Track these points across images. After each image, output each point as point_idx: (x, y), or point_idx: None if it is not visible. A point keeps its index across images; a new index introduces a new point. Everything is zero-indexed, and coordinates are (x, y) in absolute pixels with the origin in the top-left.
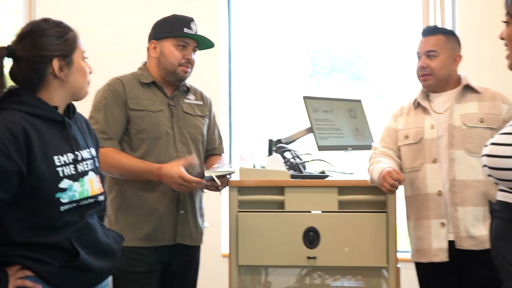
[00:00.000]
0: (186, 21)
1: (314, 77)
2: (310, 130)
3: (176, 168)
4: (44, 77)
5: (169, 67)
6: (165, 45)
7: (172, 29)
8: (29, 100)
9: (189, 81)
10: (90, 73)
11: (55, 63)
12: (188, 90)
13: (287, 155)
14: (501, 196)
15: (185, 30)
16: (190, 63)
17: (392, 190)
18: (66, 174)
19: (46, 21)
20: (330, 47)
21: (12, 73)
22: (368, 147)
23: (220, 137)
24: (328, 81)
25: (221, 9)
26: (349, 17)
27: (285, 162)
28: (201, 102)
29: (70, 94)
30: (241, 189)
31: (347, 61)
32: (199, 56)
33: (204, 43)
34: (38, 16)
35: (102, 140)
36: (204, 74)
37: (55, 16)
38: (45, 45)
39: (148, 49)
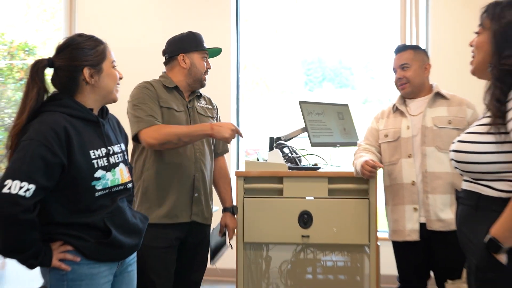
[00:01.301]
0: (202, 38)
1: (308, 85)
2: (305, 129)
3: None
4: (78, 83)
5: (198, 75)
6: (194, 57)
7: (198, 45)
8: (69, 103)
9: (204, 89)
10: (121, 78)
11: (86, 71)
12: (200, 95)
13: (286, 150)
14: (466, 186)
15: (205, 45)
16: (207, 72)
17: (370, 175)
18: (100, 165)
19: (80, 36)
20: (322, 59)
21: (53, 80)
22: (354, 144)
23: None
24: (320, 88)
25: (231, 28)
26: (338, 34)
27: (283, 156)
28: (210, 106)
29: (101, 98)
30: (247, 178)
31: (336, 72)
32: (214, 67)
33: (212, 53)
34: (77, 32)
35: (153, 120)
36: (217, 81)
37: (91, 31)
38: (78, 56)
39: (169, 61)
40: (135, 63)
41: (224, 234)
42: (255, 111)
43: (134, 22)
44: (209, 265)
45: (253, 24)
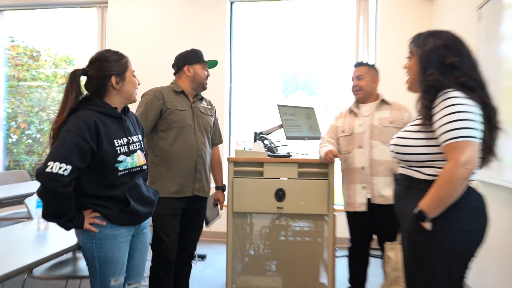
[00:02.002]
0: (202, 53)
1: (285, 92)
2: (281, 126)
3: None
4: (106, 88)
5: (200, 80)
6: (197, 67)
7: (199, 58)
8: (98, 103)
9: (205, 95)
10: (139, 84)
11: (113, 79)
12: (202, 98)
13: (266, 142)
14: (401, 170)
15: (205, 58)
16: (207, 78)
17: (330, 161)
18: (122, 151)
19: (108, 51)
20: (296, 73)
21: (86, 86)
22: (318, 138)
23: (219, 131)
24: (294, 95)
25: (226, 48)
26: (308, 53)
27: (264, 146)
28: (210, 107)
29: (124, 99)
30: (236, 163)
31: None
32: (212, 77)
33: (210, 65)
34: (107, 47)
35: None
36: (214, 88)
37: (116, 47)
38: (107, 67)
39: (177, 71)
40: (148, 71)
41: (216, 205)
42: (244, 111)
43: (149, 42)
44: (205, 228)
45: (243, 44)
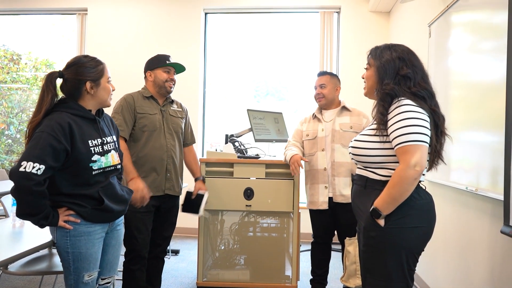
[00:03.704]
0: (167, 57)
1: (256, 98)
2: (251, 129)
3: (141, 185)
4: (81, 92)
5: (161, 83)
6: (157, 72)
7: (160, 62)
8: (72, 105)
9: (179, 98)
10: (113, 90)
11: (88, 84)
12: (172, 101)
13: (236, 144)
14: (358, 171)
15: (167, 62)
16: (172, 81)
17: (295, 173)
18: (96, 151)
19: (85, 56)
20: (267, 80)
21: (61, 88)
22: (285, 141)
23: (192, 132)
24: (265, 100)
25: (200, 56)
26: (278, 63)
27: (234, 148)
28: (180, 109)
29: (97, 104)
30: (208, 163)
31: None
32: (186, 82)
33: (179, 69)
34: (86, 52)
35: (121, 130)
36: (189, 94)
37: (95, 53)
38: (82, 73)
39: (146, 76)
40: (126, 76)
41: (196, 195)
42: (217, 115)
43: (126, 49)
44: (177, 224)
45: (217, 52)
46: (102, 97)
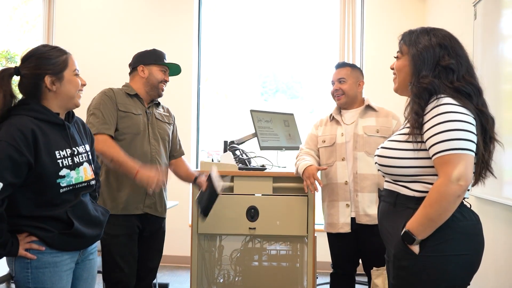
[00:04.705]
0: (164, 54)
1: (264, 96)
2: (255, 134)
3: (153, 174)
4: (40, 90)
5: (155, 83)
6: (153, 69)
7: (157, 59)
8: (36, 107)
9: (167, 97)
10: (84, 85)
11: (47, 79)
12: (159, 104)
13: (237, 152)
14: (387, 185)
15: (165, 60)
16: (166, 83)
17: (311, 189)
18: (65, 164)
19: (44, 46)
20: (276, 74)
21: (19, 87)
22: (297, 148)
23: (179, 143)
24: (274, 99)
25: (193, 45)
26: (290, 53)
27: (235, 158)
28: (167, 114)
29: (64, 103)
30: None
31: (288, 85)
32: (177, 79)
33: (172, 72)
34: (55, 41)
35: (105, 128)
36: (180, 91)
37: (66, 42)
38: (41, 65)
39: (132, 71)
40: (102, 72)
41: (207, 184)
42: (215, 117)
43: (103, 38)
44: (165, 252)
45: (215, 40)
46: (68, 93)
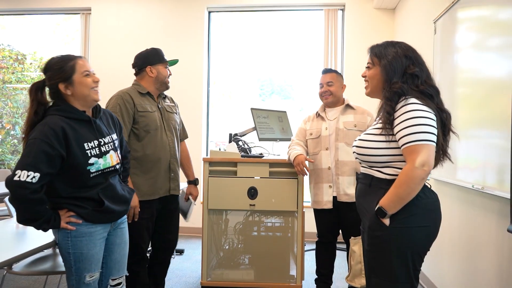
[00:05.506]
0: (163, 52)
1: (261, 97)
2: (254, 128)
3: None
4: (61, 95)
5: (163, 80)
6: (159, 68)
7: (160, 58)
8: (65, 108)
9: (183, 96)
10: (96, 82)
11: (61, 86)
12: (165, 97)
13: (240, 143)
14: (363, 170)
15: (166, 58)
16: (169, 76)
17: (302, 173)
18: (93, 154)
19: (53, 58)
20: (272, 78)
21: (49, 95)
22: (289, 139)
23: (183, 127)
24: (270, 99)
25: (204, 54)
26: (283, 61)
27: (238, 147)
28: (173, 104)
29: (82, 102)
30: (211, 163)
31: (282, 87)
32: (190, 80)
33: (171, 62)
34: (90, 51)
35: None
36: (193, 93)
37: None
38: (51, 76)
39: (139, 72)
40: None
41: (188, 200)
42: (221, 114)
43: (130, 48)
44: (184, 223)
45: (222, 51)
46: (81, 93)
